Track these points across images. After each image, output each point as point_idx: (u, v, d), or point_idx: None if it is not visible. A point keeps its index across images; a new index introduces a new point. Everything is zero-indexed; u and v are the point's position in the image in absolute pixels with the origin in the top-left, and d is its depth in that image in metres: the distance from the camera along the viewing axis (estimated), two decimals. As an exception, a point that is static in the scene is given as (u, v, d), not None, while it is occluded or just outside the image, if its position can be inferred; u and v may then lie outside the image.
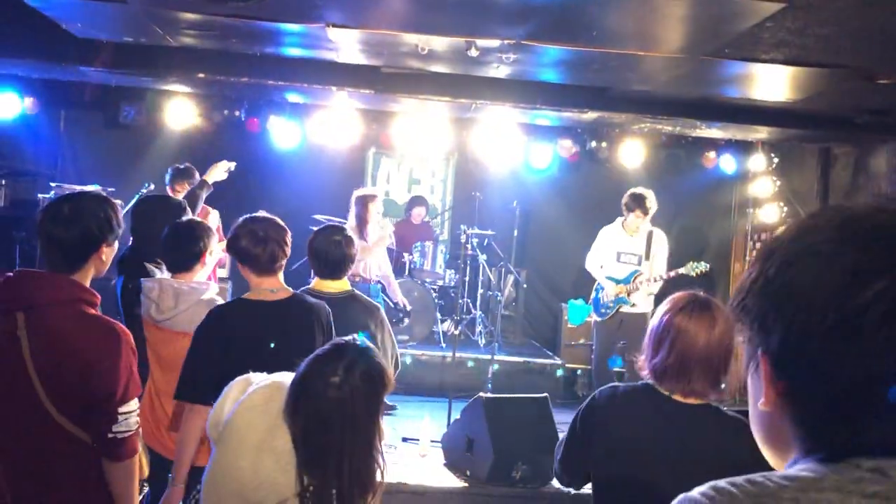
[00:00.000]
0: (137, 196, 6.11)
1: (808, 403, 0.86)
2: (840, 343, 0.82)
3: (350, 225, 6.34)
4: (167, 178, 6.37)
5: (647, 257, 6.72)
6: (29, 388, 2.27)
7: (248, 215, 3.18)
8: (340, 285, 3.81)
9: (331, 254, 3.73)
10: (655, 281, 6.63)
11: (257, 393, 2.06)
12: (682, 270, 6.55)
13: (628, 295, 6.72)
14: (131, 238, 4.29)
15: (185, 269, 3.49)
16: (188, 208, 4.33)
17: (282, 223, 3.17)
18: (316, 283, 3.81)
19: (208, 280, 5.98)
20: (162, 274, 3.81)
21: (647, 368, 2.36)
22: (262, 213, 3.19)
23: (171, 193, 6.06)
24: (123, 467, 2.41)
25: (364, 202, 6.53)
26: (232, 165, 5.49)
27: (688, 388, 2.26)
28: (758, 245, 8.91)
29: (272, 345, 2.95)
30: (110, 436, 2.34)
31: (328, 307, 3.18)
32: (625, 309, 6.76)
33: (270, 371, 2.23)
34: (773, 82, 5.91)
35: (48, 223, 2.42)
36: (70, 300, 2.38)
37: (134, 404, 2.41)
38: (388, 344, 3.84)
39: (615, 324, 6.71)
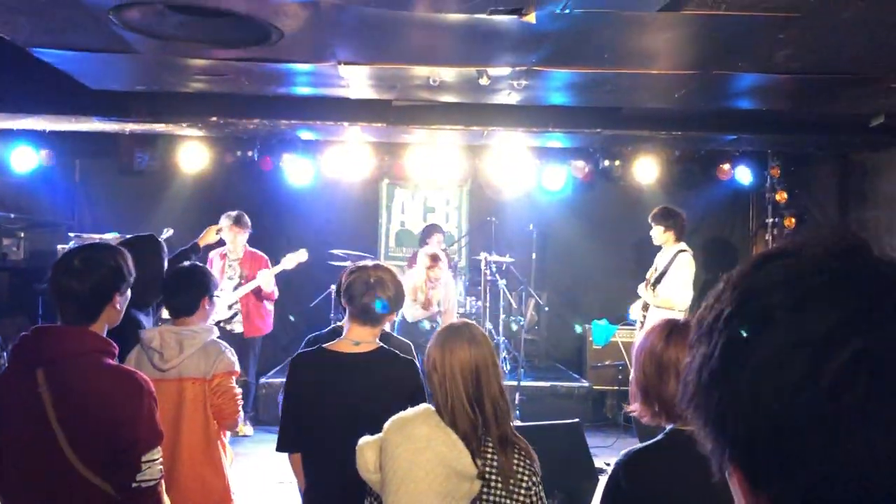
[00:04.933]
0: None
1: None
2: (819, 440, 0.60)
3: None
4: (224, 223, 6.84)
5: (661, 278, 6.40)
6: (53, 443, 2.28)
7: (373, 263, 3.17)
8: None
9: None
10: (650, 295, 6.34)
11: (393, 429, 2.44)
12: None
13: (644, 312, 6.58)
14: None
15: (186, 313, 3.48)
16: (163, 245, 4.22)
17: (398, 279, 3.09)
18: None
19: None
20: (147, 320, 3.78)
21: (652, 411, 2.16)
22: (381, 265, 3.16)
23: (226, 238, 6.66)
24: None
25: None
26: (219, 228, 5.83)
27: None
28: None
29: (344, 400, 2.94)
30: (134, 485, 2.34)
31: (417, 364, 3.09)
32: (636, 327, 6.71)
33: (345, 423, 2.78)
34: (786, 92, 5.88)
35: (61, 277, 2.46)
36: (88, 352, 2.40)
37: (157, 453, 2.40)
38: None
39: None
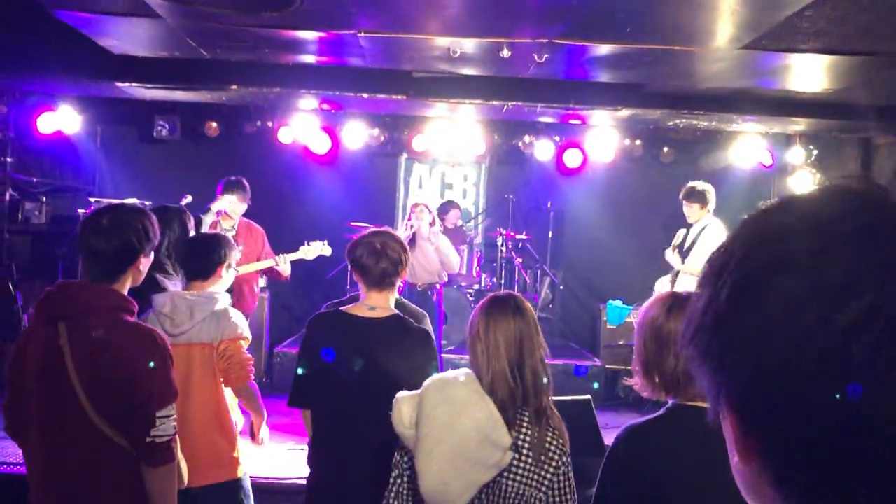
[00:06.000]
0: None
1: (789, 466, 0.64)
2: (824, 386, 0.60)
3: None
4: (220, 189, 6.31)
5: (690, 251, 6.51)
6: (72, 396, 2.34)
7: (374, 228, 3.20)
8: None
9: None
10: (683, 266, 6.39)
11: (432, 389, 2.45)
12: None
13: (672, 286, 6.59)
14: None
15: (202, 277, 3.51)
16: (188, 215, 4.33)
17: (401, 241, 3.15)
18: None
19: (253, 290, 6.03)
20: (173, 284, 3.83)
21: (652, 385, 2.14)
22: (385, 230, 3.20)
23: (220, 204, 6.18)
24: (161, 473, 2.45)
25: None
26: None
27: (699, 391, 2.04)
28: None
29: (357, 363, 2.98)
30: (148, 440, 2.39)
31: (429, 333, 3.14)
32: None
33: (356, 384, 2.86)
34: (811, 72, 5.81)
35: (88, 235, 2.50)
36: (109, 308, 2.45)
37: (171, 409, 2.45)
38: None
39: None
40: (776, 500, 0.66)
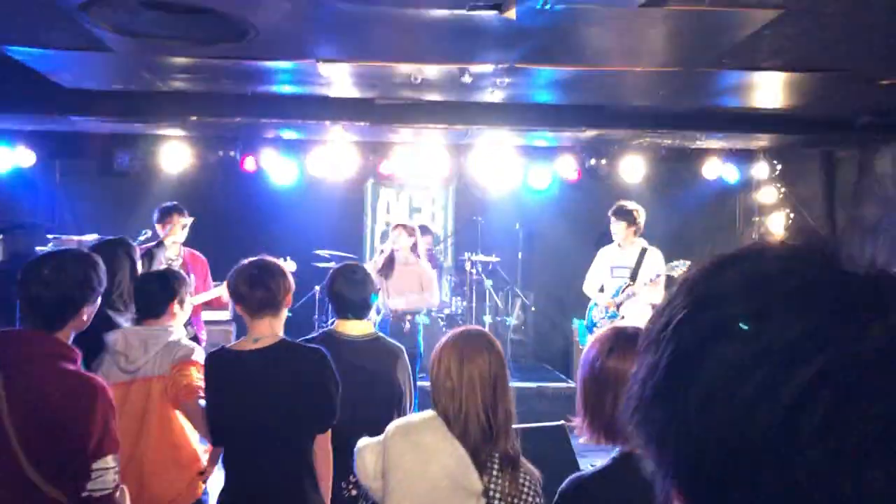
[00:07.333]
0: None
1: None
2: (772, 466, 0.54)
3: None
4: (155, 218, 6.00)
5: (637, 273, 6.45)
6: (7, 447, 2.21)
7: (249, 259, 3.10)
8: (364, 327, 3.63)
9: (351, 295, 3.57)
10: (646, 284, 6.28)
11: (397, 435, 2.38)
12: (665, 272, 6.23)
13: (618, 308, 6.52)
14: None
15: (153, 315, 3.40)
16: (135, 247, 4.21)
17: (279, 266, 3.07)
18: (337, 324, 3.64)
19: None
20: (125, 321, 3.70)
21: (594, 429, 1.97)
22: (261, 257, 3.11)
23: (159, 232, 5.91)
24: None
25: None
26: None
27: None
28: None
29: (249, 400, 2.89)
30: (84, 494, 2.26)
31: (324, 353, 3.00)
32: (617, 323, 6.54)
33: (254, 421, 2.77)
34: (772, 89, 5.84)
35: (29, 284, 2.40)
36: (46, 356, 2.35)
37: (111, 461, 2.31)
38: (406, 388, 3.71)
39: None
40: None
